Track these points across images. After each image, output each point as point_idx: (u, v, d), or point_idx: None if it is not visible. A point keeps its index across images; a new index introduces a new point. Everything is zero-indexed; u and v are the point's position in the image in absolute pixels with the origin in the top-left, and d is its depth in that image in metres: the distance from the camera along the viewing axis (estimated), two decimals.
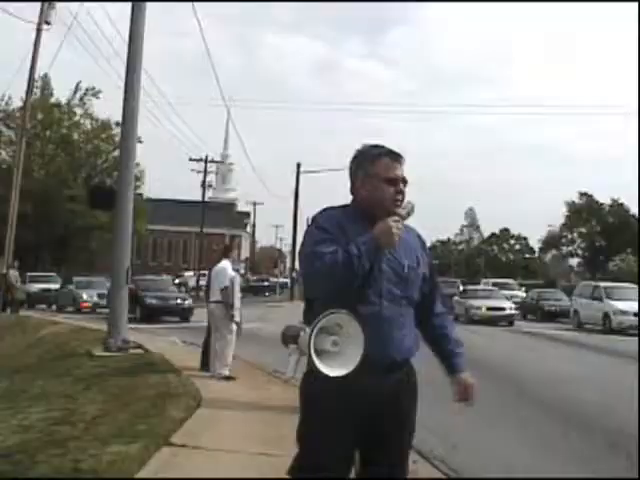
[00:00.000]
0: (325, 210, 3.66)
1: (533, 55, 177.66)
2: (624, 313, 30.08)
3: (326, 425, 3.48)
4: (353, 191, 3.71)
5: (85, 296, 35.52)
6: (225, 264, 12.64)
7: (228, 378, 12.02)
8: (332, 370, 3.23)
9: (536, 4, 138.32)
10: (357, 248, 3.32)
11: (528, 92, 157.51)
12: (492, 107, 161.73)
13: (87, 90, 61.44)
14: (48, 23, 30.16)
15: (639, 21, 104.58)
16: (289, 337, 3.47)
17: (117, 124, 55.21)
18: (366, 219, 3.50)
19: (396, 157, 3.69)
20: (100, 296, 33.98)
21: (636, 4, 65.84)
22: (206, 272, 16.97)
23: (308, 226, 3.66)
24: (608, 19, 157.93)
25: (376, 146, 3.75)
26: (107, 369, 12.74)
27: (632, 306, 30.29)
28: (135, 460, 6.32)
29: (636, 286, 34.45)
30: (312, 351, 3.20)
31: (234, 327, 12.46)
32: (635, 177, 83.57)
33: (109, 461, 6.24)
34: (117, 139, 54.83)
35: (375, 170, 3.61)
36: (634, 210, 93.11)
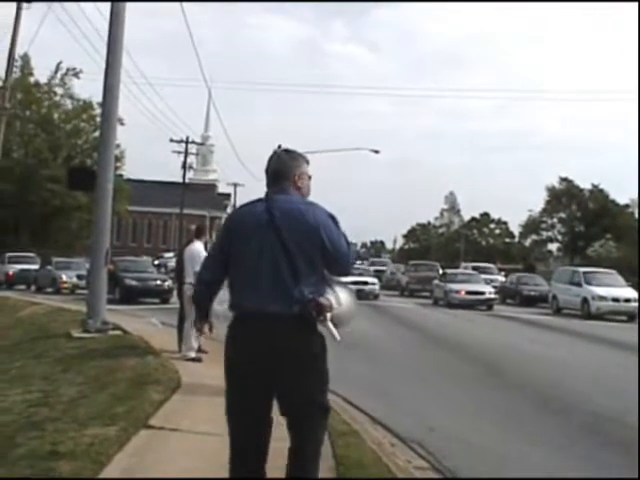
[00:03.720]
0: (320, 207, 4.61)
1: (516, 40, 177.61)
2: (603, 298, 30.30)
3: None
4: (284, 184, 4.61)
5: (64, 277, 35.34)
6: (198, 245, 12.52)
7: (194, 360, 11.97)
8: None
9: None
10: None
11: (510, 77, 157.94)
12: (474, 91, 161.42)
13: (68, 70, 61.08)
14: (29, 1, 29.82)
15: (639, 21, 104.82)
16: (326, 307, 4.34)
17: (98, 104, 54.93)
18: None
19: (308, 161, 4.82)
20: (79, 277, 33.81)
21: (636, 4, 65.82)
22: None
23: (333, 217, 4.54)
24: (591, 7, 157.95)
25: (295, 151, 4.83)
26: (86, 351, 12.69)
27: (610, 292, 30.52)
28: (113, 442, 6.32)
29: (614, 272, 34.69)
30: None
31: None
32: (616, 164, 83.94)
33: (87, 443, 6.23)
34: (98, 119, 54.57)
35: (306, 170, 4.75)
36: (614, 196, 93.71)
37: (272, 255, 4.36)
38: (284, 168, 4.65)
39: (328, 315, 4.32)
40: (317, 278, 4.43)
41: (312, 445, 4.53)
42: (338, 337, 4.36)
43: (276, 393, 4.43)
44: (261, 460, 4.49)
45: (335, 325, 4.38)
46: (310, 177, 4.77)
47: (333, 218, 4.51)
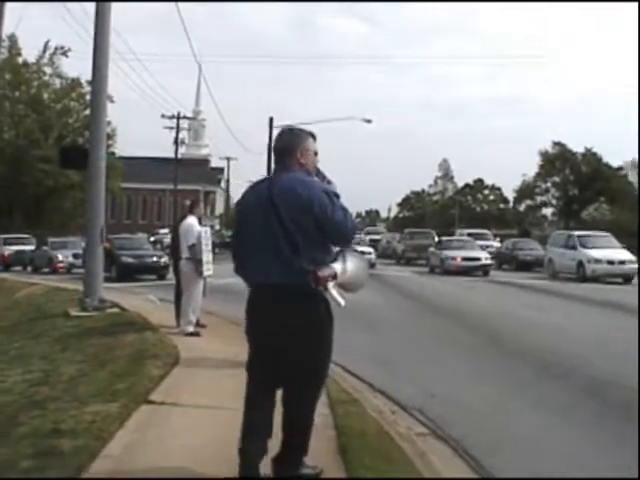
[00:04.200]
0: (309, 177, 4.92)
1: (503, 6, 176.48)
2: (598, 261, 30.35)
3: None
4: (289, 160, 4.89)
5: (60, 257, 35.37)
6: (192, 220, 12.48)
7: (192, 334, 11.98)
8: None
9: None
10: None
11: (498, 43, 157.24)
12: (463, 58, 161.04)
13: (56, 49, 60.76)
14: None
15: (639, 20, 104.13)
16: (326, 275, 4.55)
17: (87, 82, 54.63)
18: None
19: (315, 137, 5.08)
20: (75, 256, 33.84)
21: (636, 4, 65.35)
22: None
23: (326, 192, 4.76)
24: None
25: (300, 129, 5.12)
26: (84, 329, 12.73)
27: (605, 254, 30.58)
28: (115, 419, 6.35)
29: (609, 234, 34.72)
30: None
31: (201, 285, 12.43)
32: (609, 127, 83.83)
33: (89, 421, 6.26)
34: (88, 97, 54.27)
35: (311, 146, 5.01)
36: (607, 159, 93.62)
37: (272, 230, 4.67)
38: (287, 146, 4.94)
39: (330, 284, 4.55)
40: (317, 249, 4.69)
41: (303, 414, 4.87)
42: (342, 303, 4.66)
43: (280, 361, 4.77)
44: (266, 433, 4.82)
45: (347, 290, 4.79)
46: (316, 153, 5.05)
47: (327, 192, 4.75)
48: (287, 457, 4.86)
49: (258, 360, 4.88)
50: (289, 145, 4.94)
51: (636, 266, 30.35)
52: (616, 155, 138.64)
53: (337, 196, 4.82)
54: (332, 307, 4.73)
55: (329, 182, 5.08)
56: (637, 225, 51.51)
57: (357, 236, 46.88)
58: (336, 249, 4.84)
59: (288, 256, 4.61)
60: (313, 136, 5.07)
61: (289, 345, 4.72)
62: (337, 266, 4.63)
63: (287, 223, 4.64)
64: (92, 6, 16.28)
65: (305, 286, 4.54)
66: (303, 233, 4.64)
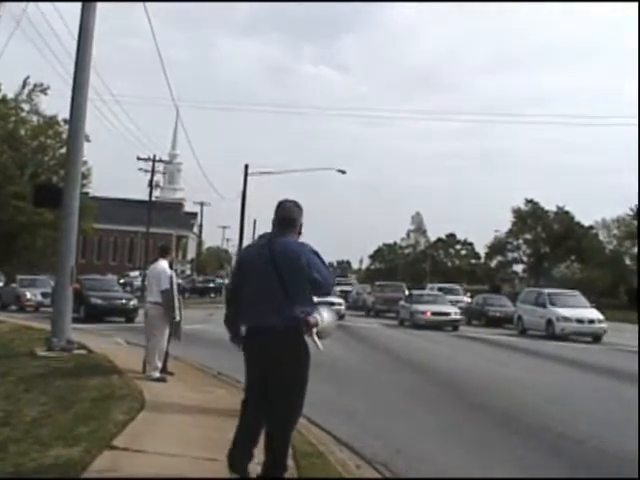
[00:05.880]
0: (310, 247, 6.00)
1: (484, 62, 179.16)
2: (567, 319, 30.51)
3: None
4: (298, 229, 6.11)
5: (29, 295, 35.08)
6: (164, 264, 12.42)
7: (158, 380, 11.89)
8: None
9: (486, 8, 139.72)
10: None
11: (477, 99, 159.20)
12: (442, 113, 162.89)
13: (35, 86, 60.79)
14: None
15: (639, 21, 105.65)
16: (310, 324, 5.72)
17: (65, 121, 54.58)
18: None
19: None
20: (44, 295, 33.59)
21: (636, 4, 66.54)
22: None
23: (313, 251, 5.94)
24: (557, 21, 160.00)
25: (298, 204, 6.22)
26: (50, 369, 12.57)
27: (574, 313, 30.76)
28: (76, 463, 6.26)
29: (578, 293, 35.02)
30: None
31: (167, 330, 12.34)
32: (581, 186, 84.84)
33: (50, 464, 6.17)
34: (64, 136, 54.20)
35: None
36: (579, 218, 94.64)
37: (271, 283, 5.77)
38: (294, 217, 6.11)
39: (314, 330, 5.71)
40: (306, 301, 5.84)
41: (283, 432, 5.95)
42: (321, 347, 5.77)
43: (269, 386, 5.88)
44: (253, 442, 5.97)
45: (319, 338, 5.79)
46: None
47: (316, 253, 5.94)
48: (268, 472, 5.88)
49: (253, 385, 6.02)
50: (296, 217, 6.11)
51: (604, 325, 30.56)
52: (588, 214, 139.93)
53: (318, 255, 5.93)
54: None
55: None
56: (610, 283, 51.98)
57: None
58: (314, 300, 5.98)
59: (284, 304, 5.72)
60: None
61: (277, 373, 5.82)
62: (317, 316, 5.73)
63: (285, 279, 5.75)
64: (73, 44, 16.34)
65: (295, 329, 5.71)
66: (297, 287, 5.76)
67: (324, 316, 5.82)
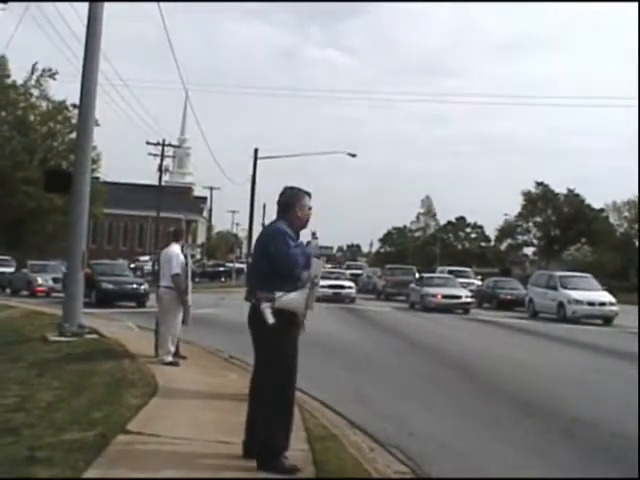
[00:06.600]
0: (280, 224, 6.36)
1: (494, 45, 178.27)
2: (578, 302, 30.51)
3: None
4: (290, 213, 6.39)
5: (40, 280, 35.12)
6: (176, 248, 12.36)
7: (171, 364, 11.88)
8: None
9: None
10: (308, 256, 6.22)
11: (488, 82, 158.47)
12: (451, 96, 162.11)
13: (44, 71, 60.60)
14: (5, 1, 29.54)
15: (639, 21, 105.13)
16: (261, 297, 6.14)
17: (74, 106, 54.55)
18: (293, 230, 6.34)
19: (310, 195, 6.55)
20: (55, 280, 33.67)
21: (636, 4, 66.12)
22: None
23: (279, 232, 6.26)
24: (568, 12, 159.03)
25: (301, 188, 6.57)
26: (62, 354, 12.60)
27: (585, 295, 30.72)
28: (91, 448, 6.26)
29: (589, 276, 34.96)
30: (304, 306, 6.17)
31: (180, 314, 12.31)
32: (592, 169, 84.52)
33: (65, 449, 6.17)
34: (73, 121, 54.19)
35: (306, 202, 6.48)
36: (589, 200, 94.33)
37: (251, 265, 6.70)
38: (288, 201, 6.43)
39: (263, 304, 6.07)
40: (272, 281, 6.14)
41: (262, 417, 6.16)
42: (269, 321, 6.01)
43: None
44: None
45: (279, 314, 6.03)
46: (310, 208, 6.52)
47: (285, 233, 6.24)
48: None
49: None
50: (290, 201, 6.43)
51: (615, 308, 30.53)
52: (598, 197, 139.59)
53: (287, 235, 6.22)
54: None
55: (315, 236, 6.63)
56: (620, 265, 51.82)
57: (337, 270, 47.15)
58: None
59: (255, 284, 6.35)
60: (309, 194, 6.53)
61: (254, 352, 6.39)
62: (279, 294, 6.07)
63: (258, 260, 6.45)
64: (82, 29, 16.29)
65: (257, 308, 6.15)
66: (264, 267, 6.25)
67: (290, 296, 6.09)
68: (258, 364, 6.33)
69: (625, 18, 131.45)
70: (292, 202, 6.44)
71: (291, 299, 6.11)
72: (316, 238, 6.67)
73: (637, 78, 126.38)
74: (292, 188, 6.56)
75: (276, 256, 6.13)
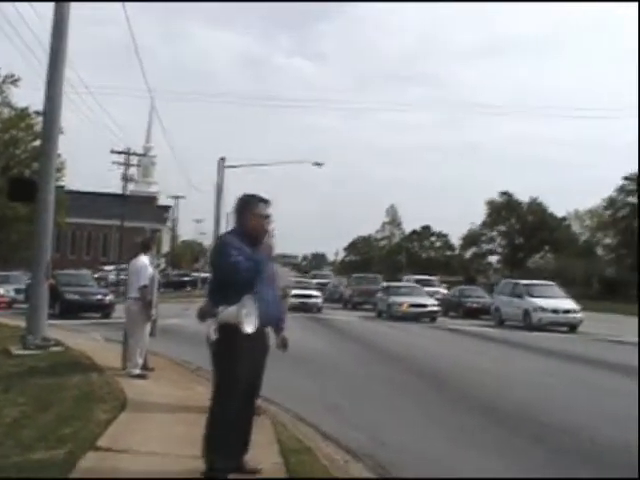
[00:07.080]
0: (225, 235, 6.47)
1: (463, 53, 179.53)
2: (544, 310, 30.72)
3: None
4: (242, 221, 6.15)
5: (1, 291, 34.62)
6: (145, 260, 12.26)
7: (139, 376, 11.72)
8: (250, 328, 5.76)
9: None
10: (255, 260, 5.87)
11: (453, 92, 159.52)
12: (414, 105, 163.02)
13: (6, 77, 59.95)
14: None
15: (639, 21, 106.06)
16: (206, 313, 6.19)
17: (37, 113, 54.06)
18: (248, 240, 6.01)
19: (267, 202, 6.20)
20: (17, 291, 33.26)
21: (636, 4, 66.82)
22: (126, 266, 16.42)
23: (220, 242, 6.29)
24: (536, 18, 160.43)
25: (254, 195, 6.22)
26: (26, 368, 12.34)
27: (551, 303, 30.95)
28: (60, 467, 6.11)
29: (554, 284, 35.29)
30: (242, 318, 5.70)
31: (148, 326, 12.18)
32: (554, 178, 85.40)
33: (33, 468, 6.02)
34: (37, 129, 53.68)
35: (259, 211, 6.12)
36: (552, 209, 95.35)
37: None
38: (239, 209, 6.22)
39: (209, 322, 6.04)
40: (219, 294, 6.01)
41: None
42: (212, 337, 5.96)
43: None
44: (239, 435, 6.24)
45: (223, 329, 5.87)
46: (267, 216, 6.17)
47: (222, 243, 6.14)
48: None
49: None
50: (241, 209, 6.20)
51: (580, 315, 30.81)
52: (560, 206, 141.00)
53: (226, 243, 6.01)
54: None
55: (269, 235, 6.20)
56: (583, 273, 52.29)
57: (304, 280, 47.09)
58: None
59: (210, 297, 6.26)
60: (265, 201, 6.19)
61: None
62: (222, 308, 5.86)
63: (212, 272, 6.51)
64: (46, 34, 16.03)
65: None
66: (215, 278, 6.25)
67: (228, 309, 5.81)
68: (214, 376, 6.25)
69: (594, 27, 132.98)
70: (243, 210, 6.19)
71: (228, 312, 5.84)
72: (271, 237, 6.27)
73: (611, 88, 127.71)
74: (246, 196, 6.28)
75: (218, 266, 6.10)
